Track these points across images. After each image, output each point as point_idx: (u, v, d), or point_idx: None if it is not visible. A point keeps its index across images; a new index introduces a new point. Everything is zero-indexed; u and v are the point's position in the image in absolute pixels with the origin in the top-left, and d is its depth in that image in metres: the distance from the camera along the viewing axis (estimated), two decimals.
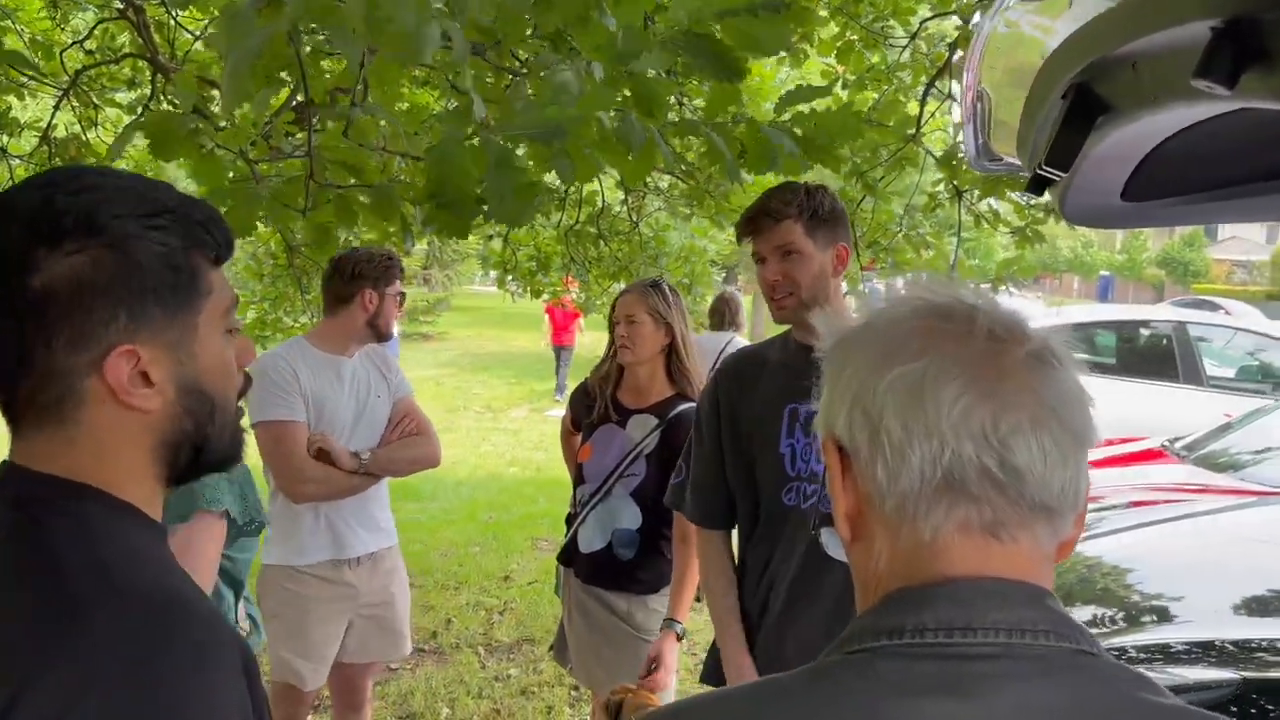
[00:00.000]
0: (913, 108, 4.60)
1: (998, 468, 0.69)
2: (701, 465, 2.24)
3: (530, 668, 4.63)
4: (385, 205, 1.58)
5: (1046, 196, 1.43)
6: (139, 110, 6.19)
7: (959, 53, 4.26)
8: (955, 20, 4.38)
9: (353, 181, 1.60)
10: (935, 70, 4.35)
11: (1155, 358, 7.86)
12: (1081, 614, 3.05)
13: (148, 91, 6.02)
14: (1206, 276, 41.72)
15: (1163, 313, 9.42)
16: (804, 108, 2.05)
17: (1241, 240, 49.32)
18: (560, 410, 12.20)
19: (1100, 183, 1.26)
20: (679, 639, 2.74)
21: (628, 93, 1.81)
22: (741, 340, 6.31)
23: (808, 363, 2.07)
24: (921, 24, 4.58)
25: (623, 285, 7.28)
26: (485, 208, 1.36)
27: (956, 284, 0.78)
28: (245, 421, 1.00)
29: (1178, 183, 1.32)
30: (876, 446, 0.72)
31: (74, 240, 0.80)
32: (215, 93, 6.01)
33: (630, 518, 2.88)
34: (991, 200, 4.80)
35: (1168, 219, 1.42)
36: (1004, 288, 4.83)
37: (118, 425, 0.84)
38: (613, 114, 1.65)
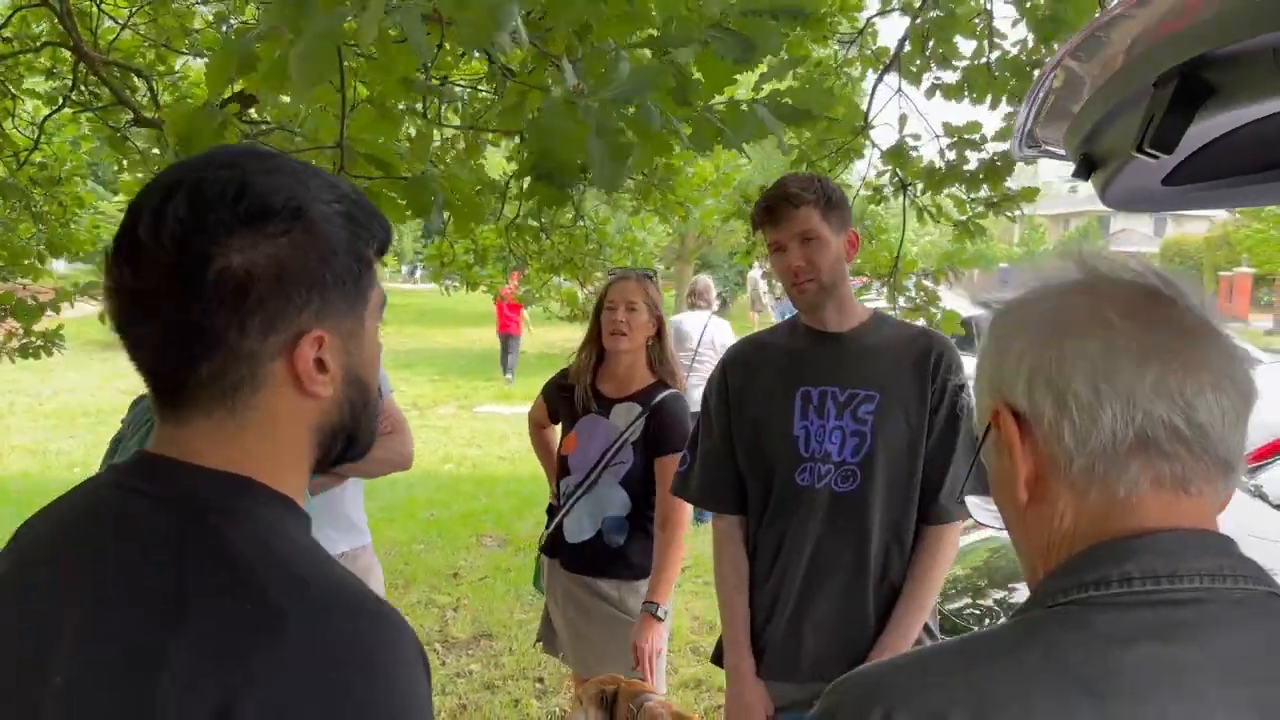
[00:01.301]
0: (861, 102, 4.71)
1: (1185, 426, 0.74)
2: (708, 450, 2.27)
3: (491, 662, 4.61)
4: (420, 197, 1.57)
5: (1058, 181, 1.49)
6: (60, 101, 5.98)
7: (906, 47, 4.39)
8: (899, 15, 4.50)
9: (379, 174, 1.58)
10: (884, 65, 4.45)
11: None
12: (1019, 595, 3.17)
13: (68, 81, 5.82)
14: None
15: None
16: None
17: (1132, 233, 51.38)
18: (495, 405, 12.14)
19: (1152, 168, 1.33)
20: (659, 621, 2.78)
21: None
22: (718, 319, 6.95)
23: (817, 347, 2.14)
24: (868, 20, 4.68)
25: (563, 278, 7.34)
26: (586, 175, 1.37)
27: (1117, 255, 0.82)
28: None
29: (1216, 167, 1.40)
30: (1063, 410, 0.76)
31: (277, 223, 0.78)
32: (139, 82, 5.83)
33: (619, 505, 2.92)
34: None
35: (1200, 202, 1.51)
36: (945, 280, 4.97)
37: (290, 411, 0.83)
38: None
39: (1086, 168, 1.40)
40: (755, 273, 14.97)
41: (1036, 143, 1.50)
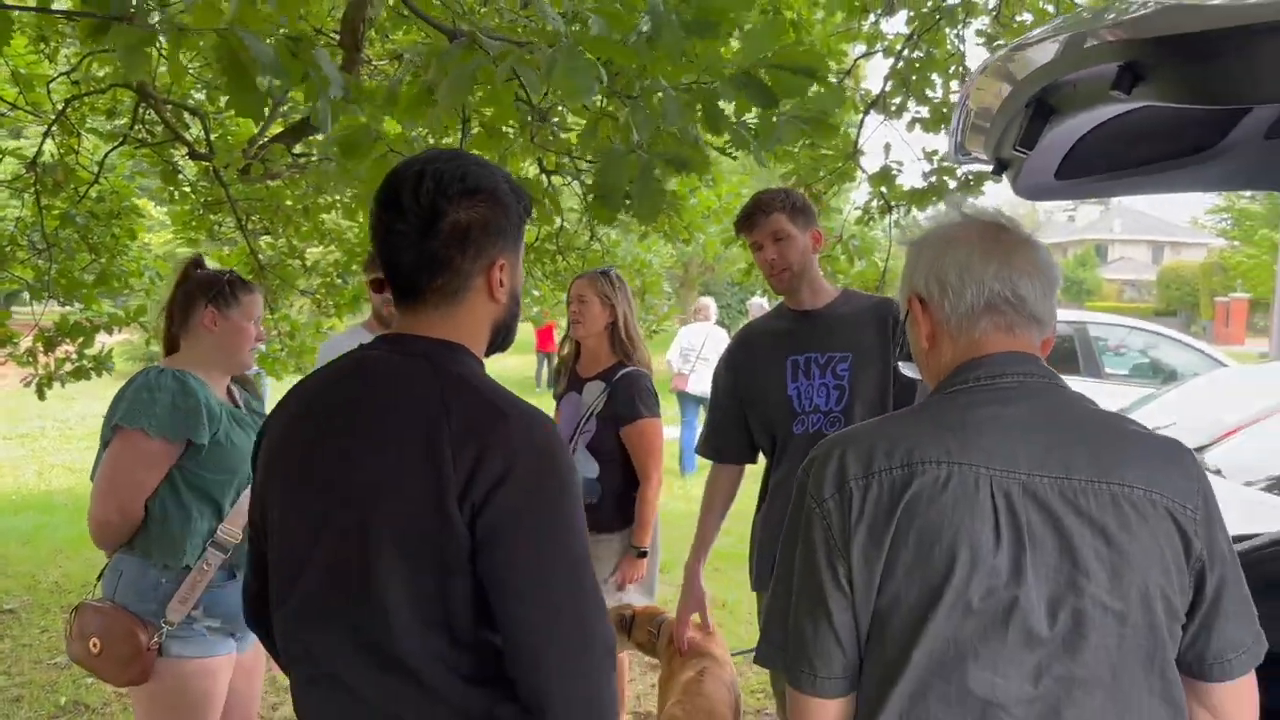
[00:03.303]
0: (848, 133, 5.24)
1: (1012, 296, 1.26)
2: (717, 414, 2.83)
3: None
4: None
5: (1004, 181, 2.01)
6: (120, 138, 6.43)
7: (889, 84, 4.93)
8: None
9: None
10: (868, 104, 4.99)
11: (1059, 356, 8.75)
12: None
13: (127, 120, 6.31)
14: (1099, 294, 43.93)
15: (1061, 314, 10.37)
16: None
17: (1130, 260, 52.12)
18: None
19: (1042, 165, 1.86)
20: (641, 558, 3.32)
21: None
22: (718, 329, 8.25)
23: (799, 323, 2.67)
24: (855, 60, 5.23)
25: None
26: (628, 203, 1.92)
27: (983, 207, 1.34)
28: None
29: (1088, 167, 1.92)
30: (943, 292, 1.28)
31: (481, 195, 1.30)
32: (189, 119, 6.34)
33: (589, 469, 3.37)
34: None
35: (1081, 192, 2.03)
36: None
37: (482, 310, 1.35)
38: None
39: (1000, 167, 1.93)
40: (756, 301, 15.63)
41: (967, 152, 2.03)
